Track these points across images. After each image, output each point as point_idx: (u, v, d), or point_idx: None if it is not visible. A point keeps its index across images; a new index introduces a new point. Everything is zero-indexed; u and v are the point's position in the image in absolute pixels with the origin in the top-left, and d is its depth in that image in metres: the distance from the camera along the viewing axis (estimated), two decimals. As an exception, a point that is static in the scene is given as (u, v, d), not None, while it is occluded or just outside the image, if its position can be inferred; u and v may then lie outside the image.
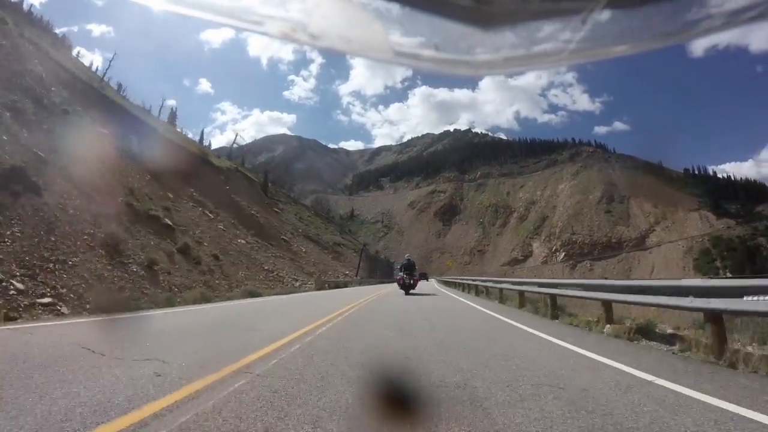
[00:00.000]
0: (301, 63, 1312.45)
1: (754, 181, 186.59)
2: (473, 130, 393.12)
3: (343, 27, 0.76)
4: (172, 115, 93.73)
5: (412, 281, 22.08)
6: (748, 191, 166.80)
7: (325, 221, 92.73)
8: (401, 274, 22.46)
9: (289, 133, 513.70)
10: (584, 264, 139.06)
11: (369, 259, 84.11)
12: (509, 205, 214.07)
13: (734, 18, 0.66)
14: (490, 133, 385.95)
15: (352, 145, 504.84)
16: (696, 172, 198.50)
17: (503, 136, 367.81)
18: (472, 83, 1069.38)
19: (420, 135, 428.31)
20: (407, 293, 21.14)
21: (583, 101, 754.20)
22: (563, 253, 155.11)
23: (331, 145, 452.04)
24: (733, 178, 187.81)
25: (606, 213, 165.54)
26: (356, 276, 52.84)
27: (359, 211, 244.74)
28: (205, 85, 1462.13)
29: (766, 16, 0.64)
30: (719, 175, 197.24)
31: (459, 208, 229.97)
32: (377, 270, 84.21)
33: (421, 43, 0.75)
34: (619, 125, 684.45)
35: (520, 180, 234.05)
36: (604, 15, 0.67)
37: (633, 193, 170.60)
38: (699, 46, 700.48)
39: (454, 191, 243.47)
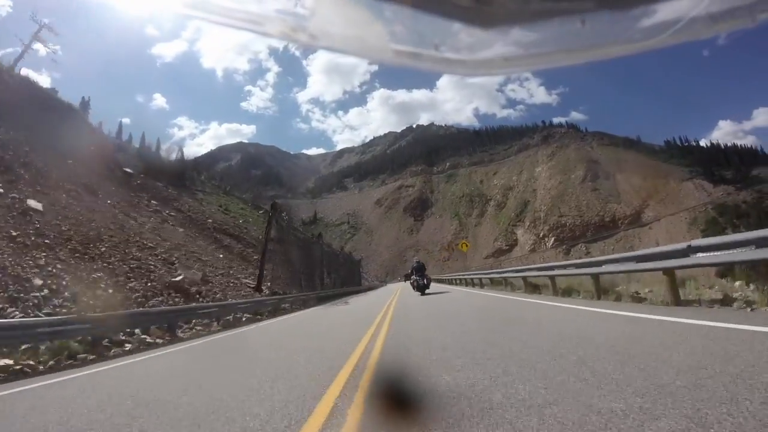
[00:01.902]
0: (257, 72, 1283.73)
1: (743, 146, 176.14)
2: (437, 124, 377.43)
3: (343, 27, 0.76)
4: (84, 104, 73.67)
5: (425, 281, 21.99)
6: (741, 156, 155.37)
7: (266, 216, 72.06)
8: (414, 276, 22.64)
9: (245, 141, 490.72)
10: (579, 247, 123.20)
11: (304, 250, 39.40)
12: (484, 194, 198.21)
13: (736, 16, 0.65)
14: (454, 124, 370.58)
15: (314, 152, 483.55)
16: (678, 143, 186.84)
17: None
18: (429, 83, 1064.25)
19: (382, 135, 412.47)
20: (423, 294, 21.19)
21: (540, 94, 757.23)
22: (553, 238, 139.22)
23: (292, 152, 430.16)
24: (722, 146, 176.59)
25: (593, 191, 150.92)
26: (257, 292, 23.59)
27: (323, 214, 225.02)
28: (159, 101, 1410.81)
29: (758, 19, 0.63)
30: (702, 144, 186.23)
31: (430, 202, 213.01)
32: (334, 272, 47.31)
33: (421, 43, 0.75)
34: (576, 115, 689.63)
35: (493, 167, 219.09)
36: (604, 16, 0.67)
37: (618, 169, 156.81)
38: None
39: (423, 184, 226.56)
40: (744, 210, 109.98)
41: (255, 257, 37.75)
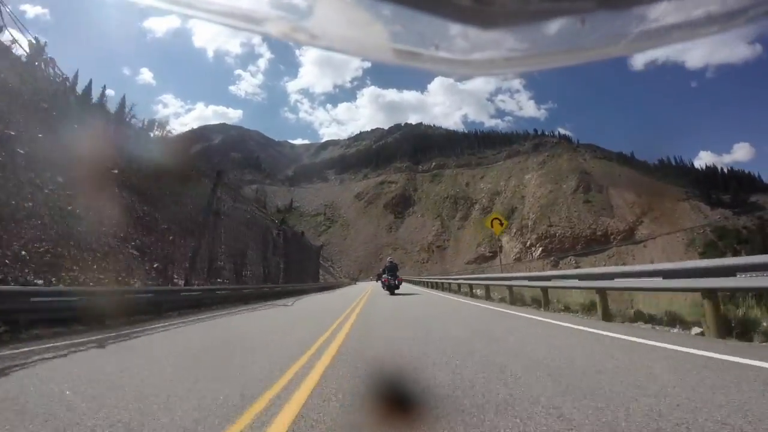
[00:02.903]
0: (248, 57, 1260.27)
1: (741, 171, 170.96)
2: (425, 123, 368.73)
3: (343, 27, 0.75)
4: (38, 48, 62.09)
5: (396, 282, 22.27)
6: (739, 181, 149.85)
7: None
8: (386, 275, 22.74)
9: (228, 123, 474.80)
10: (568, 260, 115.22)
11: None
12: (470, 197, 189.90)
13: (734, 18, 0.65)
14: (443, 126, 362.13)
15: (299, 142, 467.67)
16: (673, 162, 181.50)
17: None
18: (420, 85, 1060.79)
19: (369, 130, 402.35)
20: (392, 293, 21.53)
21: (529, 108, 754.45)
22: (540, 248, 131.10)
23: (277, 139, 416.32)
24: (720, 169, 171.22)
25: (585, 203, 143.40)
26: None
27: (299, 203, 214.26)
28: (146, 75, 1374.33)
29: (757, 19, 0.63)
30: (696, 166, 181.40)
31: (413, 200, 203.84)
32: (262, 259, 30.59)
33: (421, 43, 0.75)
34: (562, 132, 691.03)
35: (480, 171, 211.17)
36: (604, 16, 0.67)
37: (611, 183, 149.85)
38: (639, 60, 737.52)
39: (407, 182, 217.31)
40: (745, 236, 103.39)
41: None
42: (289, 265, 37.31)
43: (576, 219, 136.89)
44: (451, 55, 0.75)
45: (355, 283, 79.08)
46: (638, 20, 0.68)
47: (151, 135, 59.16)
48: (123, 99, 41.31)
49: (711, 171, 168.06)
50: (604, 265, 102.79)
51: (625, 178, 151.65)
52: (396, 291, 22.08)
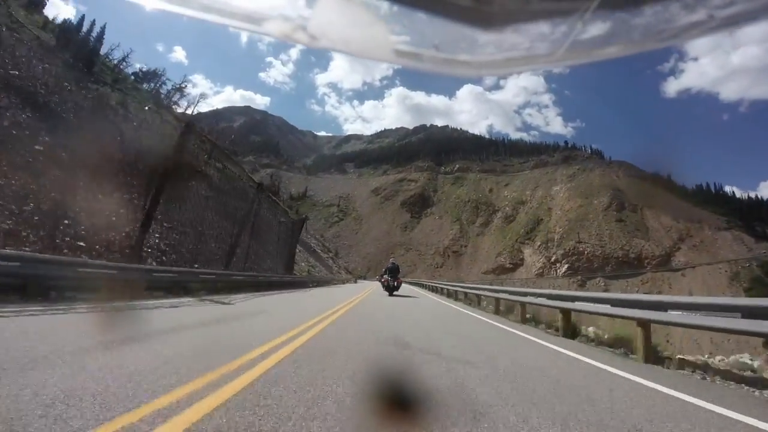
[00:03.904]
0: (281, 46, 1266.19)
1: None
2: (451, 127, 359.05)
3: (344, 27, 0.75)
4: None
5: (395, 283, 22.72)
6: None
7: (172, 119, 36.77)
8: (386, 276, 23.05)
9: (253, 106, 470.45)
10: (597, 281, 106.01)
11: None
12: (492, 203, 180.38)
13: (731, 19, 0.64)
14: (469, 131, 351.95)
15: (322, 134, 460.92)
16: (712, 189, 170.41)
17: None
18: (449, 91, 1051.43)
19: (394, 128, 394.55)
20: (391, 294, 21.85)
21: (556, 124, 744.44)
22: (566, 266, 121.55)
23: (300, 127, 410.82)
24: (766, 200, 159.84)
25: (617, 222, 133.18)
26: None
27: (314, 192, 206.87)
28: (179, 54, 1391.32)
29: (761, 18, 0.62)
30: (738, 195, 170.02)
31: (432, 201, 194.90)
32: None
33: (421, 44, 0.75)
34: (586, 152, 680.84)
35: (505, 178, 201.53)
36: (603, 15, 0.67)
37: (646, 204, 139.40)
38: (672, 87, 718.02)
39: (428, 182, 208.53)
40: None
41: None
42: (199, 231, 21.66)
43: (607, 237, 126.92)
44: (451, 56, 0.74)
45: (355, 282, 68.31)
46: (638, 20, 0.67)
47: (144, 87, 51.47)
48: (103, 29, 33.48)
49: (755, 202, 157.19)
50: (638, 291, 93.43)
51: (661, 200, 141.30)
52: (395, 292, 22.50)
